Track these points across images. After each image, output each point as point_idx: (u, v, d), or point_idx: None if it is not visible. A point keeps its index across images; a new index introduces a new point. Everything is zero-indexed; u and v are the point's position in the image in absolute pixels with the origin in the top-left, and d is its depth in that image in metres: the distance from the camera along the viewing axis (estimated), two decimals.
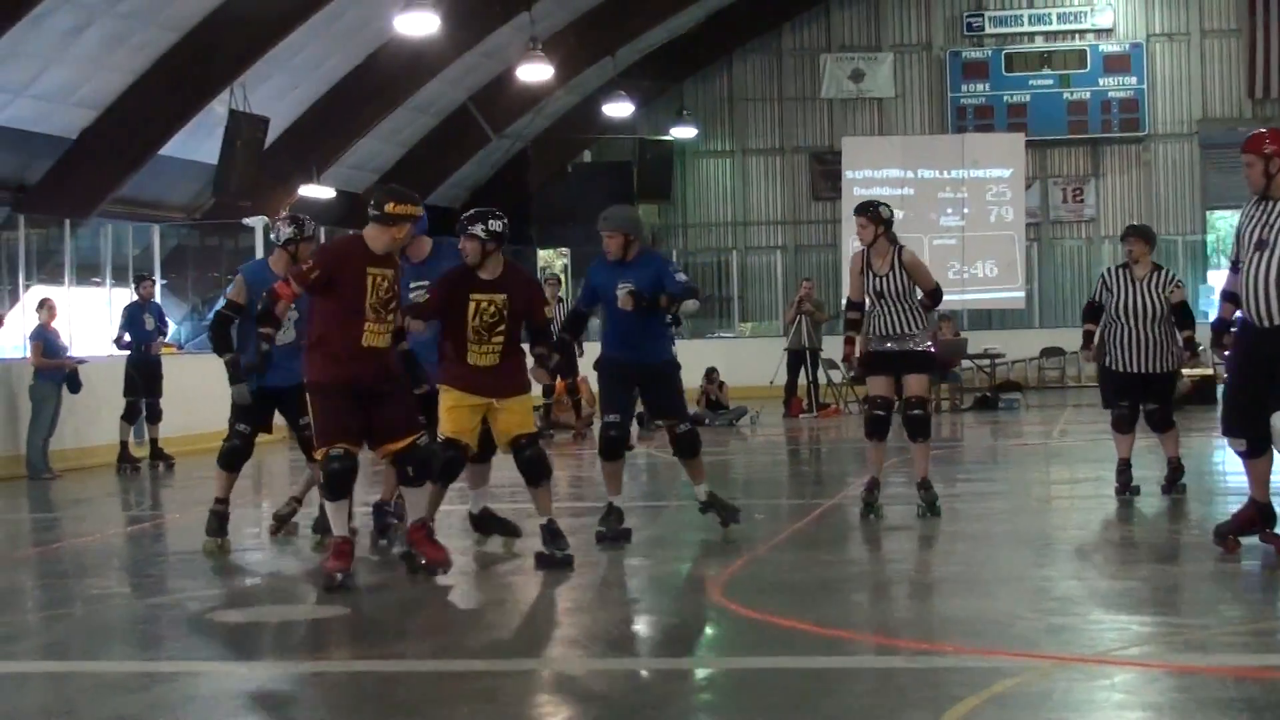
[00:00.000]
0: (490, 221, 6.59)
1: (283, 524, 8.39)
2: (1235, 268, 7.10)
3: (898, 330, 7.82)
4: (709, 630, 5.79)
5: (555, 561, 6.54)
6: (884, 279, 7.68)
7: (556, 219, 23.48)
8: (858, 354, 8.10)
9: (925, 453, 8.01)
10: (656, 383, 7.51)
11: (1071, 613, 5.76)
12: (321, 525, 7.62)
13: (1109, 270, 9.34)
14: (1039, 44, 24.11)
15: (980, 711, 4.47)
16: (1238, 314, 7.17)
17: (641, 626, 6.06)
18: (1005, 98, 23.61)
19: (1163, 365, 8.77)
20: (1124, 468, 8.75)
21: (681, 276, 7.65)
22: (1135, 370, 8.74)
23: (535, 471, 6.57)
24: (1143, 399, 8.93)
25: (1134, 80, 23.76)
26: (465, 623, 6.19)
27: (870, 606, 6.09)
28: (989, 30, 24.15)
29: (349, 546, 6.24)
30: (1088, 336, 9.17)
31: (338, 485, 6.16)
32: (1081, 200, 24.26)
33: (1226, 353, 7.20)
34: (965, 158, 22.68)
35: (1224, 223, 23.20)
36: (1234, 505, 7.35)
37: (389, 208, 6.14)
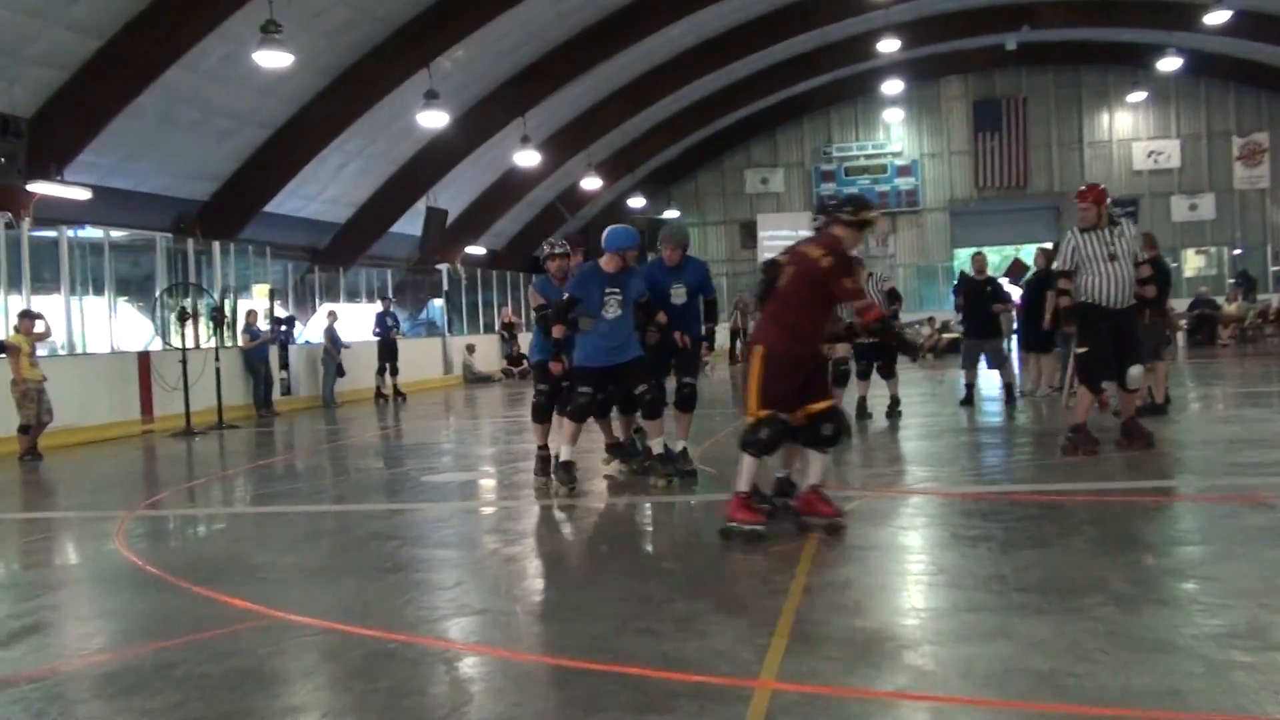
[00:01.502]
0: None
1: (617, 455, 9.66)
2: (1069, 275, 9.10)
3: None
4: None
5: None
6: None
7: None
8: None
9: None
10: (680, 356, 9.16)
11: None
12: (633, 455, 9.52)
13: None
14: (862, 161, 35.98)
15: None
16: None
17: None
18: (844, 191, 33.72)
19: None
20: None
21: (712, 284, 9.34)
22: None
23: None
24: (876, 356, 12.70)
25: (913, 180, 35.76)
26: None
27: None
28: (835, 154, 36.15)
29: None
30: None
31: (770, 446, 6.60)
32: (886, 245, 35.46)
33: (1071, 329, 9.46)
34: None
35: (964, 253, 30.25)
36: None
37: (861, 214, 6.70)
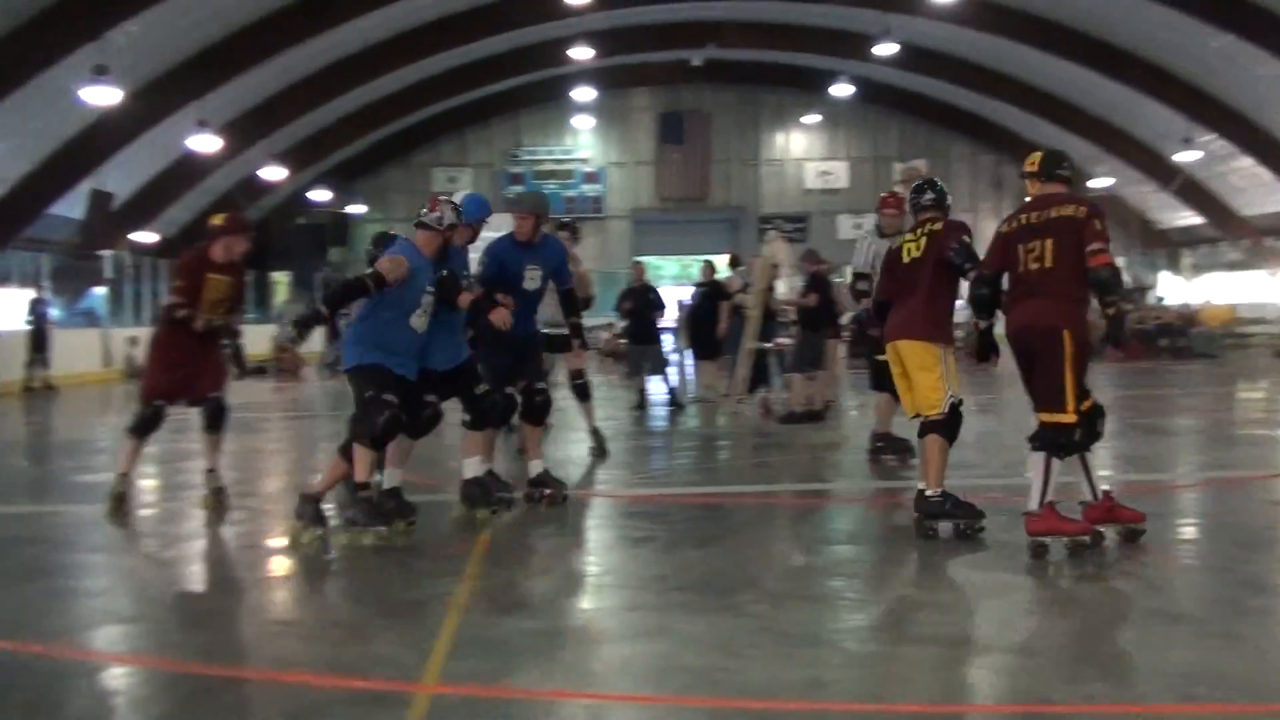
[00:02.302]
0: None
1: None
2: (869, 278, 8.95)
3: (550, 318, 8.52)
4: None
5: None
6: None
7: (283, 255, 32.50)
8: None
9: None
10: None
11: None
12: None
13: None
14: (550, 165, 36.23)
15: None
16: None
17: None
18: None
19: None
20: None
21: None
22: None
23: None
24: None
25: (600, 187, 36.22)
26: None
27: None
28: (524, 157, 36.28)
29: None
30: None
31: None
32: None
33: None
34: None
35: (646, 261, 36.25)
36: None
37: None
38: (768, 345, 13.94)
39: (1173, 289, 35.32)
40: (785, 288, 14.51)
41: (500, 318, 7.03)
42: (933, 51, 30.54)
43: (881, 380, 9.18)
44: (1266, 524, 6.93)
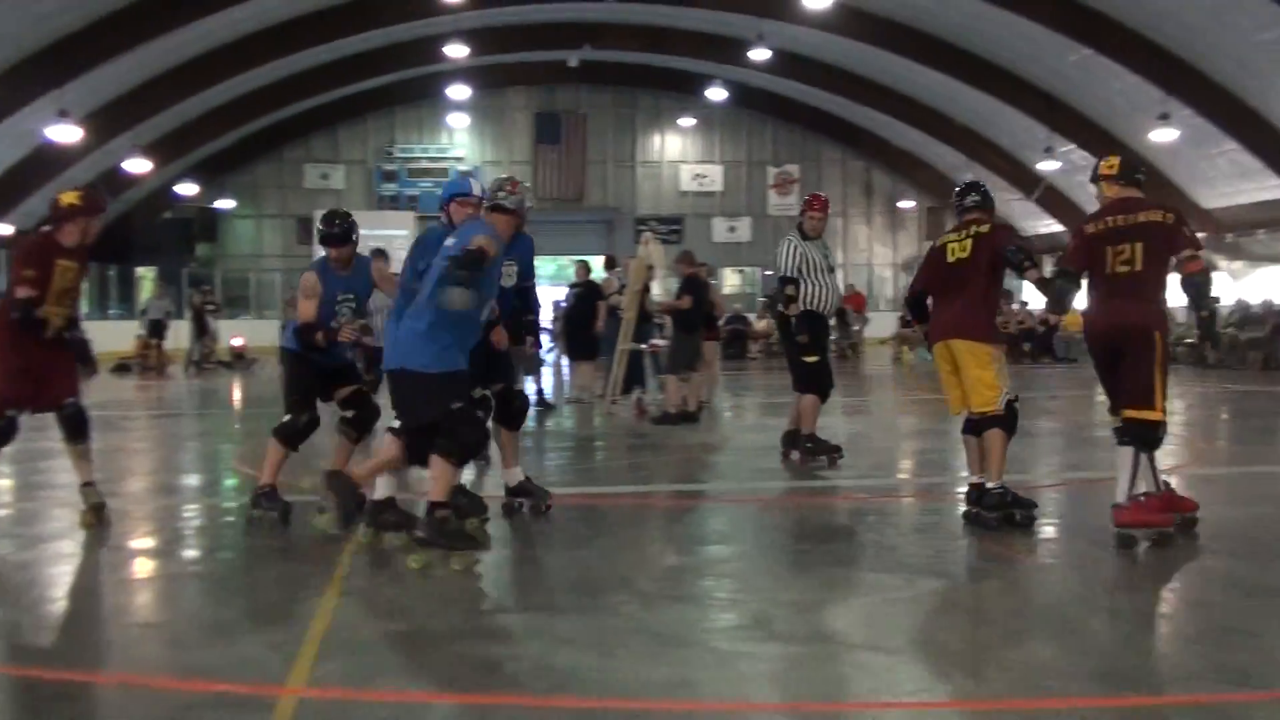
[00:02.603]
0: None
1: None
2: (795, 282, 9.12)
3: None
4: None
5: None
6: None
7: (149, 250, 32.42)
8: None
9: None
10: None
11: None
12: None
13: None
14: (425, 163, 35.73)
15: None
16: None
17: None
18: (407, 192, 35.20)
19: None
20: None
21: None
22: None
23: None
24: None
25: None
26: None
27: None
28: (398, 154, 35.77)
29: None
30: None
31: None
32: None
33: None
34: (386, 223, 33.08)
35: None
36: None
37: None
38: (643, 346, 14.00)
39: (1035, 294, 36.23)
40: (660, 289, 14.62)
41: (500, 340, 6.98)
42: (805, 57, 31.02)
43: (808, 382, 9.37)
44: None
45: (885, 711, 4.03)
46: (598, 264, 16.69)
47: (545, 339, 16.90)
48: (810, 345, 9.32)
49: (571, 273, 16.35)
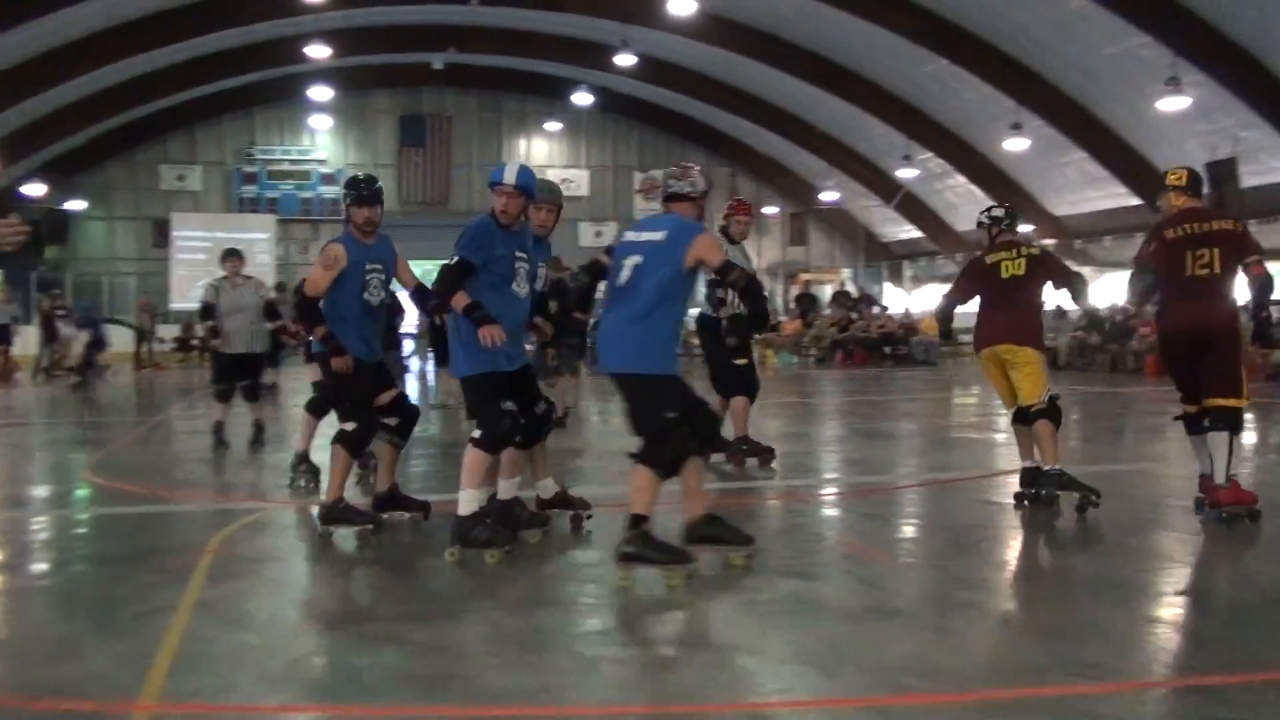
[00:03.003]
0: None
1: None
2: (718, 283, 8.79)
3: None
4: None
5: None
6: None
7: None
8: None
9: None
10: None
11: None
12: None
13: None
14: (286, 166, 35.33)
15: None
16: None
17: None
18: (267, 194, 34.85)
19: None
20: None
21: None
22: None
23: None
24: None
25: (339, 189, 34.82)
26: None
27: None
28: (258, 156, 35.17)
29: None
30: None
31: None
32: (306, 251, 34.17)
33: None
34: (246, 226, 33.20)
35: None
36: None
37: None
38: None
39: (895, 299, 37.08)
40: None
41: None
42: (670, 64, 31.27)
43: (738, 384, 9.45)
44: (977, 523, 7.35)
45: (747, 712, 4.07)
46: None
47: (408, 344, 16.72)
48: (740, 348, 9.39)
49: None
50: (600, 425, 14.38)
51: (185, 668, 4.42)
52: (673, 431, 5.58)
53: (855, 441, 12.40)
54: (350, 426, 6.75)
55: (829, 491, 9.12)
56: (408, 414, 7.16)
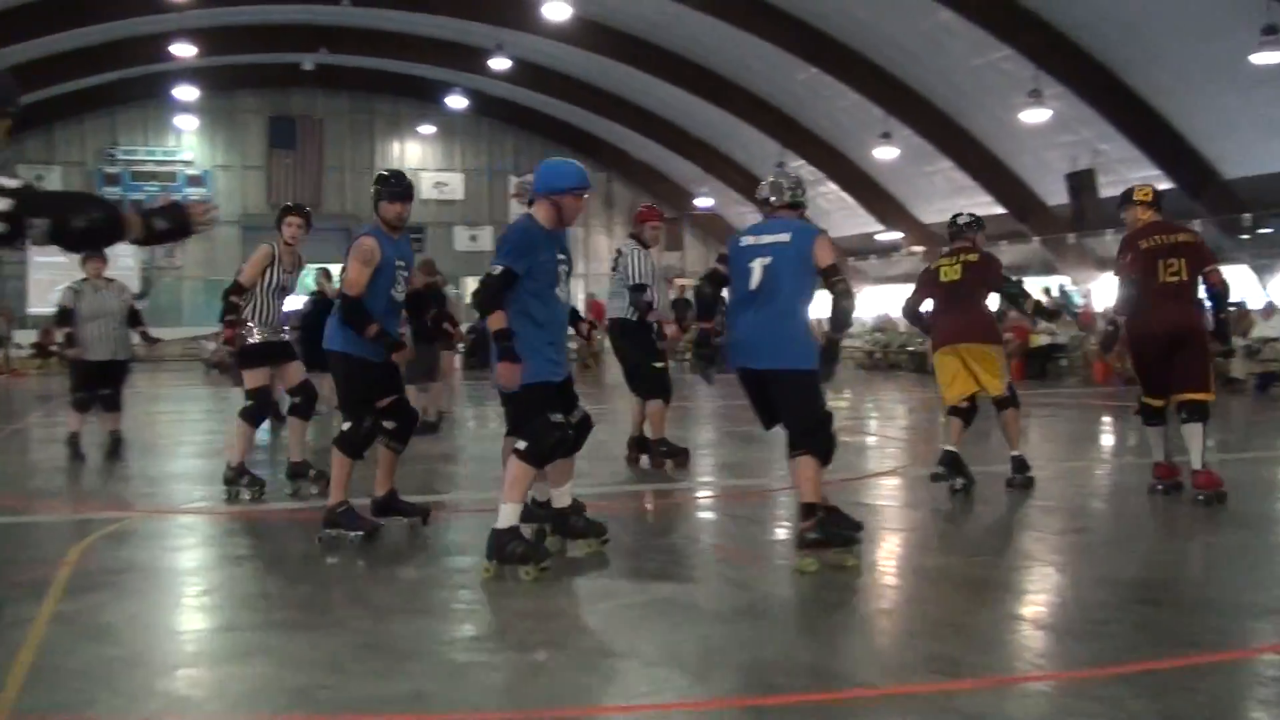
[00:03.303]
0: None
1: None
2: (642, 288, 9.30)
3: None
4: None
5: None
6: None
7: None
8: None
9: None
10: None
11: None
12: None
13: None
14: (151, 167, 34.40)
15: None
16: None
17: None
18: (131, 195, 32.02)
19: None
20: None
21: None
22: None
23: None
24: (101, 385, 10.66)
25: (205, 191, 33.87)
26: None
27: None
28: (121, 157, 34.20)
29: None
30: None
31: None
32: (173, 256, 34.26)
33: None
34: None
35: None
36: None
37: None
38: None
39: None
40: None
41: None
42: (545, 68, 31.26)
43: (655, 388, 9.59)
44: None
45: (616, 715, 4.08)
46: (336, 272, 16.17)
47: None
48: (658, 353, 9.58)
49: (310, 281, 15.82)
50: (476, 430, 14.29)
51: (41, 683, 4.28)
52: (829, 421, 5.97)
53: (729, 445, 12.51)
54: (346, 427, 6.64)
55: (704, 495, 9.15)
56: (407, 418, 7.03)
